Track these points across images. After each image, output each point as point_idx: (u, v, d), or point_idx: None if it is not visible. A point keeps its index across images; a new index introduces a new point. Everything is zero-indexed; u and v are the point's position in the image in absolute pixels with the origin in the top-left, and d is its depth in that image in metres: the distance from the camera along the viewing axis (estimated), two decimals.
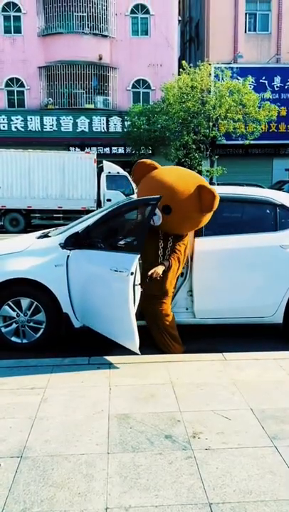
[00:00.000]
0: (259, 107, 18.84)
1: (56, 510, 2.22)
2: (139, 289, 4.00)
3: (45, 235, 5.02)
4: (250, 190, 5.43)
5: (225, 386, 3.55)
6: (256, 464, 2.57)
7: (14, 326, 4.45)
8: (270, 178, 22.21)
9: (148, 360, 4.03)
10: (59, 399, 3.32)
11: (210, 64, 19.68)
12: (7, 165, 16.08)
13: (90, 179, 16.52)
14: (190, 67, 19.07)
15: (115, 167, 17.02)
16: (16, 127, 22.42)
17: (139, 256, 3.86)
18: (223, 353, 4.19)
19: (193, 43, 26.68)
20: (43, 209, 16.38)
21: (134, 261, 3.78)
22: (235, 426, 2.97)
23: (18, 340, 4.48)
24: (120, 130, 22.15)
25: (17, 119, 22.43)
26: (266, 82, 21.78)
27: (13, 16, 22.49)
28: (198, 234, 4.58)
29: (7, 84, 22.89)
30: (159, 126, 18.97)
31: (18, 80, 22.88)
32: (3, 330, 4.45)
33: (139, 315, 4.21)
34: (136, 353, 3.91)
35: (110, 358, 4.03)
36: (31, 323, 4.45)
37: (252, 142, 19.98)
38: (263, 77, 21.76)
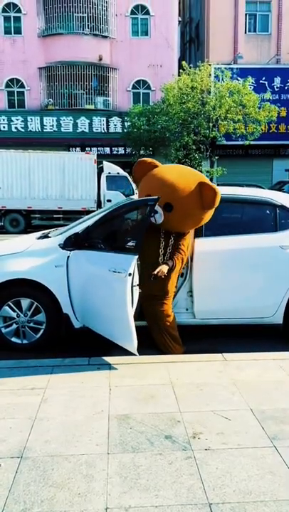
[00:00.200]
0: (259, 108, 18.84)
1: (56, 510, 2.23)
2: (137, 290, 3.99)
3: (46, 236, 5.02)
4: (250, 190, 5.44)
5: (225, 386, 3.55)
6: (256, 465, 2.57)
7: (14, 326, 4.46)
8: (270, 178, 22.21)
9: (148, 360, 4.04)
10: (59, 399, 3.32)
11: (210, 65, 19.69)
12: (7, 165, 16.08)
13: (90, 180, 16.53)
14: (190, 67, 19.08)
15: (115, 168, 17.03)
16: (16, 128, 22.45)
17: (137, 257, 3.87)
18: (223, 354, 4.20)
19: (193, 44, 26.70)
20: (43, 209, 16.38)
21: (132, 262, 3.78)
22: (235, 426, 2.97)
23: (19, 341, 4.48)
24: (120, 131, 22.16)
25: (17, 119, 22.45)
26: (266, 82, 21.78)
27: (14, 17, 22.52)
28: (198, 234, 4.59)
29: (7, 85, 22.92)
30: (159, 126, 18.98)
31: (18, 80, 22.91)
32: (4, 330, 4.46)
33: (138, 316, 4.22)
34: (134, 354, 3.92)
35: (110, 359, 4.03)
36: (31, 324, 4.46)
37: (252, 143, 19.98)
38: (263, 78, 21.76)
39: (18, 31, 22.60)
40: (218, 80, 19.34)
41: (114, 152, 22.58)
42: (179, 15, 25.25)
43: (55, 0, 22.05)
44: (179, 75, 20.53)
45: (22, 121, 22.42)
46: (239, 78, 19.85)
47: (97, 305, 4.16)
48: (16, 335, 4.48)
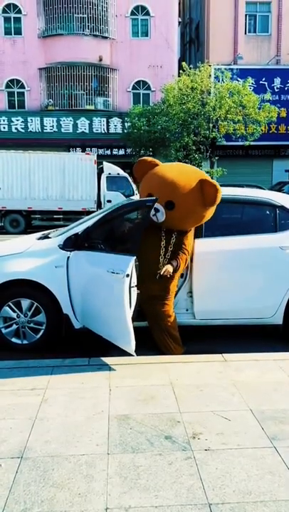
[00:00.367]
0: (259, 108, 18.84)
1: (56, 510, 2.23)
2: (135, 291, 3.99)
3: (46, 236, 5.03)
4: (250, 191, 5.45)
5: (225, 387, 3.56)
6: (256, 465, 2.58)
7: (14, 326, 4.46)
8: (270, 179, 22.22)
9: (148, 361, 4.04)
10: (59, 400, 3.33)
11: (210, 65, 19.71)
12: (7, 166, 16.10)
13: (90, 180, 16.54)
14: (190, 68, 19.08)
15: (115, 168, 17.05)
16: (16, 128, 22.46)
17: (134, 258, 3.87)
18: (223, 354, 4.20)
19: (193, 45, 26.71)
20: (44, 210, 16.40)
21: (129, 263, 3.78)
22: (235, 427, 2.97)
23: (19, 341, 4.49)
24: (120, 131, 22.17)
25: (17, 120, 22.47)
26: (266, 83, 21.79)
27: (14, 18, 22.54)
28: (198, 235, 4.59)
29: (7, 86, 22.93)
30: (159, 127, 18.98)
31: (18, 81, 22.92)
32: (4, 331, 4.46)
33: (137, 316, 4.23)
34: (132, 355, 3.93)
35: (110, 359, 4.04)
36: (31, 324, 4.46)
37: (252, 143, 19.98)
38: (263, 79, 21.77)
39: (18, 32, 22.63)
40: (218, 81, 19.35)
41: (115, 153, 22.58)
42: (179, 16, 25.27)
43: (55, 1, 22.07)
44: (179, 76, 20.54)
45: (22, 121, 22.44)
46: (239, 79, 19.85)
47: (96, 306, 4.17)
48: (16, 335, 4.49)
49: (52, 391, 3.47)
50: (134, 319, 3.97)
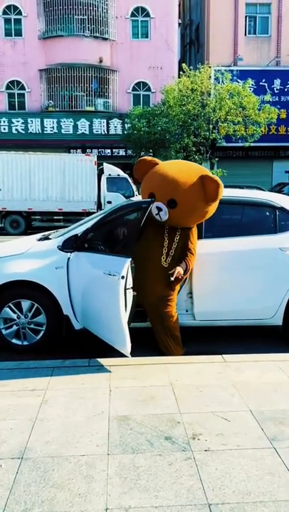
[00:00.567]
0: (259, 110, 18.87)
1: (57, 510, 2.24)
2: (131, 293, 3.99)
3: (46, 237, 5.04)
4: (250, 192, 5.45)
5: (224, 388, 3.57)
6: (255, 465, 2.58)
7: (15, 328, 4.47)
8: (270, 180, 22.24)
9: (148, 362, 4.05)
10: (59, 400, 3.34)
11: (210, 67, 19.74)
12: (8, 167, 16.11)
13: (90, 181, 16.54)
14: (190, 69, 19.10)
15: (116, 169, 17.06)
16: (16, 130, 22.48)
17: (130, 260, 3.87)
18: (223, 355, 4.21)
19: (193, 46, 26.75)
20: (44, 211, 16.40)
21: (125, 265, 3.79)
22: (235, 427, 2.98)
23: (19, 342, 4.49)
24: (120, 132, 22.18)
25: (17, 121, 22.49)
26: (266, 84, 21.83)
27: (14, 19, 22.57)
28: (198, 236, 4.59)
29: (8, 87, 22.97)
30: (159, 128, 19.00)
31: (18, 82, 22.95)
32: (4, 332, 4.47)
33: (137, 317, 4.24)
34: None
35: (110, 360, 4.05)
36: (32, 325, 4.47)
37: (252, 144, 20.01)
38: (263, 80, 21.81)
39: (18, 33, 22.66)
40: (218, 82, 19.38)
41: (115, 154, 22.61)
42: (179, 17, 25.32)
43: (55, 2, 22.12)
44: (179, 77, 20.56)
45: (22, 123, 22.47)
46: (239, 80, 19.88)
47: (94, 307, 4.18)
48: (17, 336, 4.49)
49: (52, 392, 3.48)
50: (131, 321, 3.98)
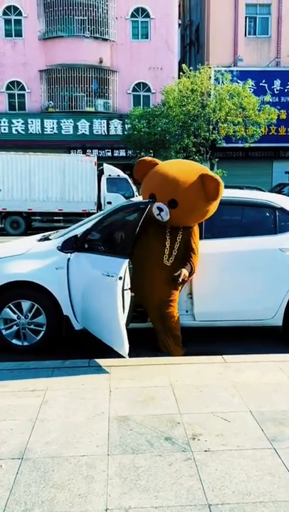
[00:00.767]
0: (259, 110, 18.88)
1: (57, 511, 2.24)
2: (128, 294, 3.99)
3: (46, 238, 5.04)
4: (250, 193, 5.45)
5: (224, 388, 3.57)
6: (255, 466, 2.59)
7: (15, 328, 4.47)
8: (270, 180, 22.25)
9: (148, 362, 4.05)
10: (59, 401, 3.34)
11: (210, 67, 19.74)
12: (8, 168, 16.11)
13: (90, 182, 16.55)
14: (190, 70, 19.11)
15: (116, 170, 17.07)
16: (16, 130, 22.48)
17: (128, 261, 3.87)
18: (223, 356, 4.21)
19: (193, 47, 26.77)
20: (44, 212, 16.41)
21: (122, 266, 3.79)
22: (235, 428, 2.98)
23: (19, 343, 4.50)
24: (121, 133, 22.19)
25: (18, 122, 22.50)
26: (266, 85, 21.84)
27: (14, 20, 22.58)
28: (198, 236, 4.60)
29: (8, 88, 22.98)
30: (159, 129, 19.01)
31: (18, 83, 22.96)
32: (4, 332, 4.47)
33: (138, 317, 4.24)
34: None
35: (110, 361, 4.05)
36: (32, 326, 4.47)
37: (252, 145, 20.01)
38: (263, 81, 21.82)
39: (18, 34, 22.67)
40: (218, 83, 19.39)
41: (115, 154, 22.61)
42: (179, 18, 25.32)
43: (55, 3, 22.12)
44: (179, 78, 20.57)
45: (22, 123, 22.47)
46: (239, 81, 19.89)
47: (93, 308, 4.19)
48: (17, 337, 4.50)
49: (52, 392, 3.48)
50: (129, 322, 3.98)
